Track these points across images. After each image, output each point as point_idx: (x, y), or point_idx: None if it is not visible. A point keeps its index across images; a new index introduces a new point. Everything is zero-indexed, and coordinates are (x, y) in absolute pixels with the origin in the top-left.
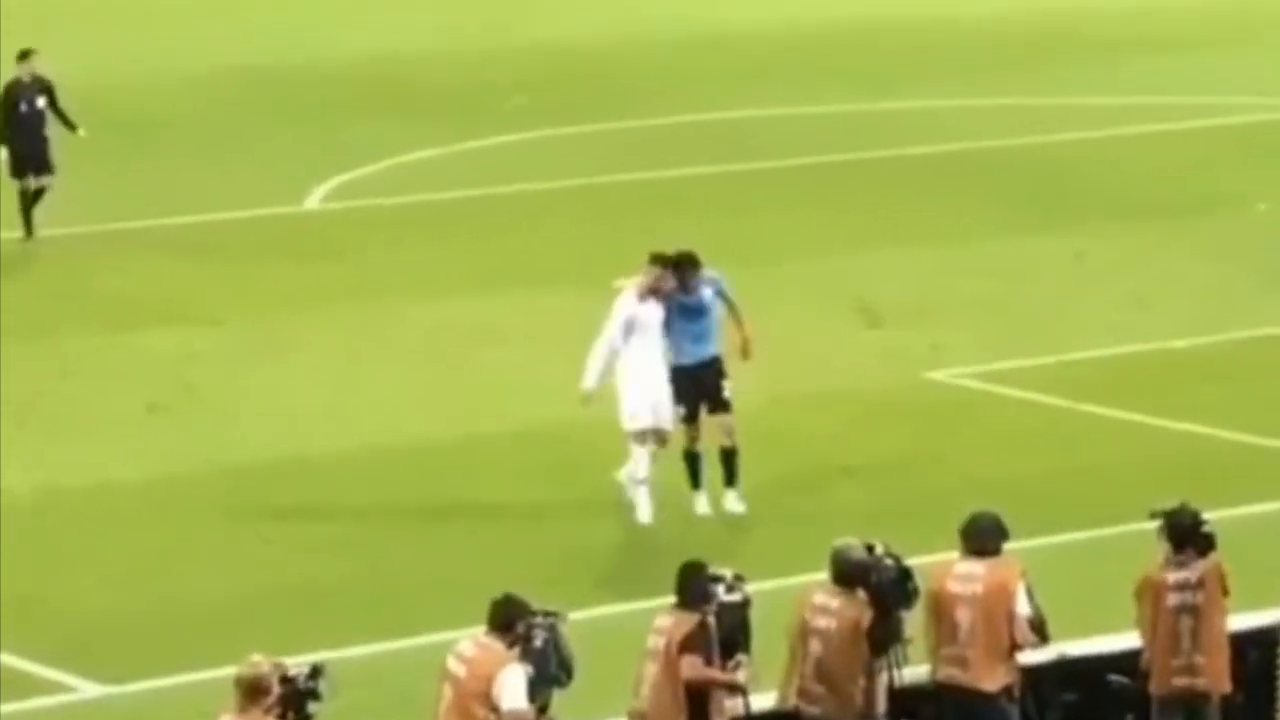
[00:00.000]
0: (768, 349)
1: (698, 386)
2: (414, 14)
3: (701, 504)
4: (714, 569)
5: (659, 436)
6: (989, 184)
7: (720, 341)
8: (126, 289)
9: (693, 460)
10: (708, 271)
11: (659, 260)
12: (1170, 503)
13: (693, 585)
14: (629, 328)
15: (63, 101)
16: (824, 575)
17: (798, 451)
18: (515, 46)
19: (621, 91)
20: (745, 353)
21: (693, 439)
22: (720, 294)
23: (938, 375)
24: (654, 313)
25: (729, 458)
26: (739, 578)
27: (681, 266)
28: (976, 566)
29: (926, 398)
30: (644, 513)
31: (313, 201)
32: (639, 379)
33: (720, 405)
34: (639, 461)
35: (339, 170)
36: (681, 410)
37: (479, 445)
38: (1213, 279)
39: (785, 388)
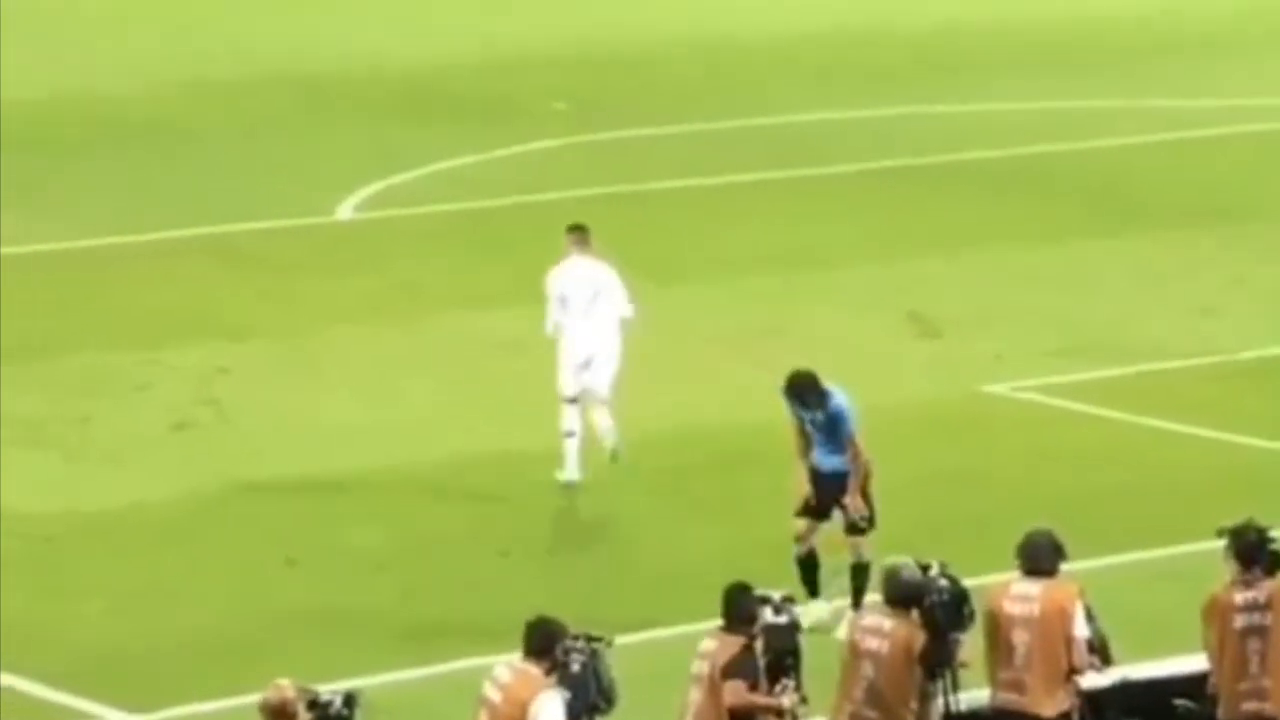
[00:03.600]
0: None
1: (830, 494)
2: (451, 18)
3: (816, 611)
4: (761, 590)
5: (585, 398)
6: (1050, 190)
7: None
8: (154, 302)
9: (809, 565)
10: (831, 389)
11: (575, 229)
12: (1237, 520)
13: (738, 607)
14: (561, 303)
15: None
16: (877, 595)
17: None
18: (555, 50)
19: (667, 96)
20: (851, 507)
21: (803, 537)
22: (840, 413)
23: (996, 388)
24: (578, 279)
25: (858, 573)
26: (787, 599)
27: (803, 392)
28: (1033, 587)
29: (984, 410)
30: (571, 470)
31: (346, 210)
32: (567, 348)
33: (849, 527)
34: (567, 417)
35: (374, 178)
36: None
37: (513, 461)
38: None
39: None
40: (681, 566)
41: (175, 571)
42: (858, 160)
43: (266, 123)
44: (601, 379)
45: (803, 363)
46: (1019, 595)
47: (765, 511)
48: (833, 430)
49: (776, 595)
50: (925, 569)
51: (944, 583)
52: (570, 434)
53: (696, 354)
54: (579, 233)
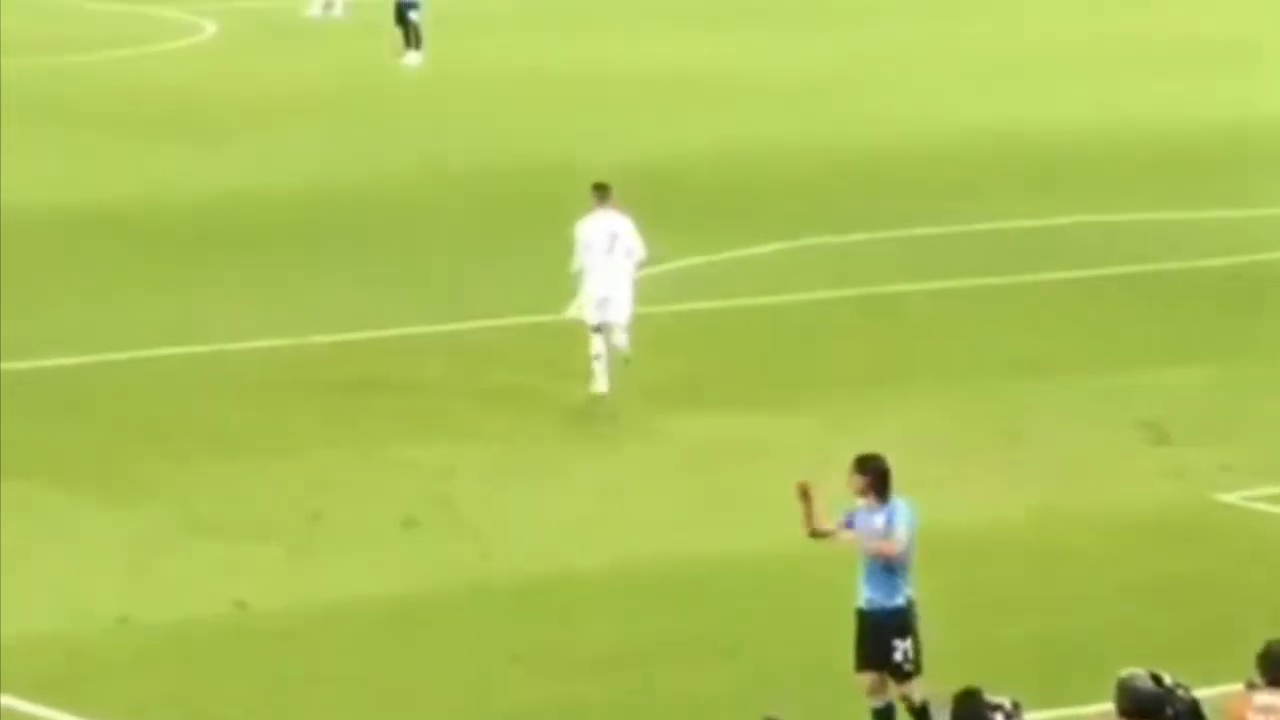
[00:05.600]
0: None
1: (871, 640)
2: (691, 117)
3: None
4: (991, 697)
5: (607, 328)
6: None
7: (909, 585)
8: (386, 399)
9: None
10: (898, 501)
11: (597, 187)
12: None
13: (968, 714)
14: (586, 248)
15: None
16: (1106, 705)
17: (1071, 571)
18: (789, 149)
19: (898, 199)
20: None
21: (875, 690)
22: (889, 519)
23: (1229, 497)
24: (599, 228)
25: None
26: (1017, 706)
27: (874, 477)
28: (1277, 699)
29: (1216, 519)
30: (600, 383)
31: (575, 309)
32: (590, 286)
33: (897, 672)
34: (595, 343)
35: None
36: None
37: (742, 564)
38: None
39: (1059, 502)
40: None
41: (400, 668)
42: (1092, 266)
43: (499, 217)
44: (620, 314)
45: (1035, 469)
46: (1263, 706)
47: (1003, 611)
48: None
49: (1007, 702)
50: (1158, 680)
51: (1181, 693)
52: (597, 357)
53: (932, 456)
54: (601, 190)
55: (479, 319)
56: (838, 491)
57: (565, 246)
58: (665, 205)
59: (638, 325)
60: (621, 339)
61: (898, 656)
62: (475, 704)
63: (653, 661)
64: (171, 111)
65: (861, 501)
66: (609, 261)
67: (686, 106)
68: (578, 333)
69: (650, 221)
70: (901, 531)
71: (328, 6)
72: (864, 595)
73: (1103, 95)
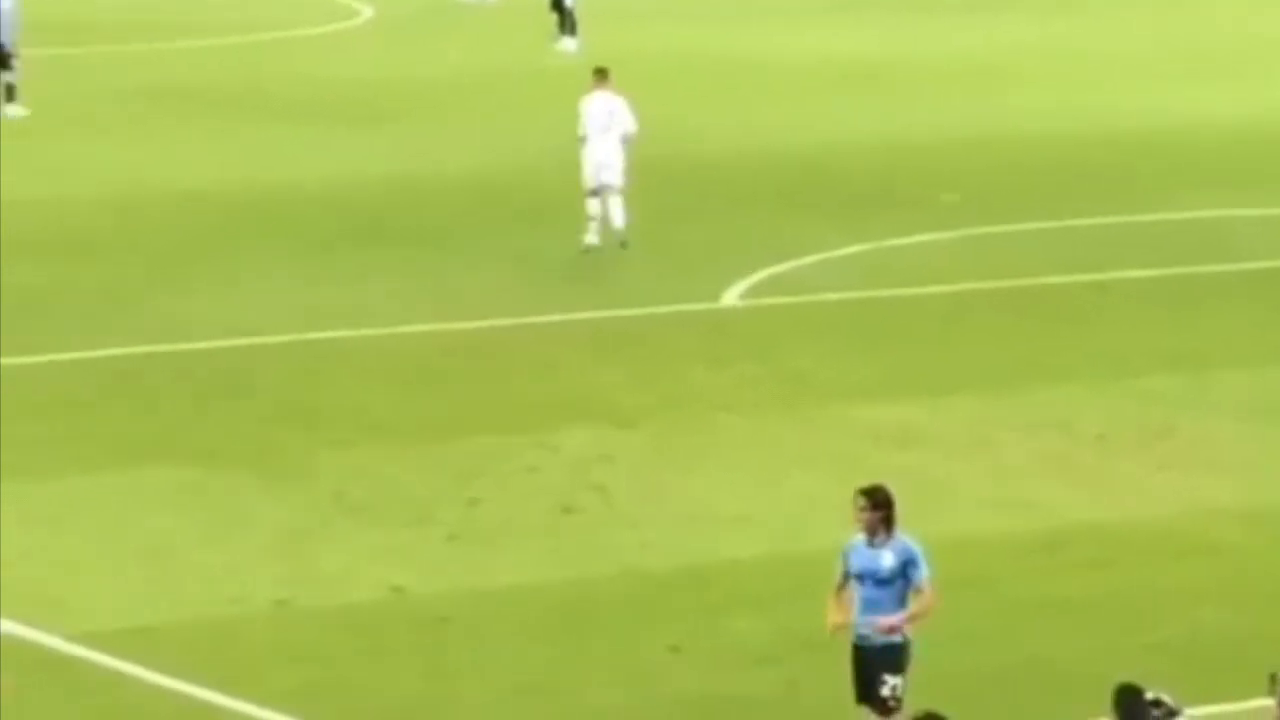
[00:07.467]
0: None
1: (864, 673)
2: (843, 105)
3: None
4: (1152, 693)
5: (604, 190)
6: None
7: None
8: (542, 386)
9: None
10: (903, 537)
11: (597, 71)
12: None
13: (1129, 709)
14: (588, 120)
15: None
16: (1261, 701)
17: (1225, 567)
18: (951, 141)
19: (1054, 190)
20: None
21: None
22: (910, 564)
23: None
24: (598, 106)
25: None
26: (1174, 702)
27: (886, 510)
28: None
29: None
30: (591, 239)
31: (732, 297)
32: (589, 155)
33: (880, 707)
34: (590, 205)
35: (761, 265)
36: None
37: None
38: None
39: (1213, 499)
40: (1073, 664)
41: (556, 654)
42: (1249, 259)
43: (656, 207)
44: (614, 178)
45: (1190, 464)
46: None
47: (1156, 607)
48: (887, 583)
49: (1168, 698)
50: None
51: None
52: (593, 218)
53: (1084, 451)
54: (600, 73)
55: (636, 306)
56: (984, 473)
57: (725, 235)
58: (818, 194)
59: (792, 311)
60: (617, 214)
61: (885, 691)
62: (634, 693)
63: (811, 654)
64: (326, 96)
65: (862, 537)
66: (606, 135)
67: (844, 93)
68: (734, 322)
69: (802, 210)
70: (929, 579)
71: None
72: (858, 631)
73: (1272, 90)
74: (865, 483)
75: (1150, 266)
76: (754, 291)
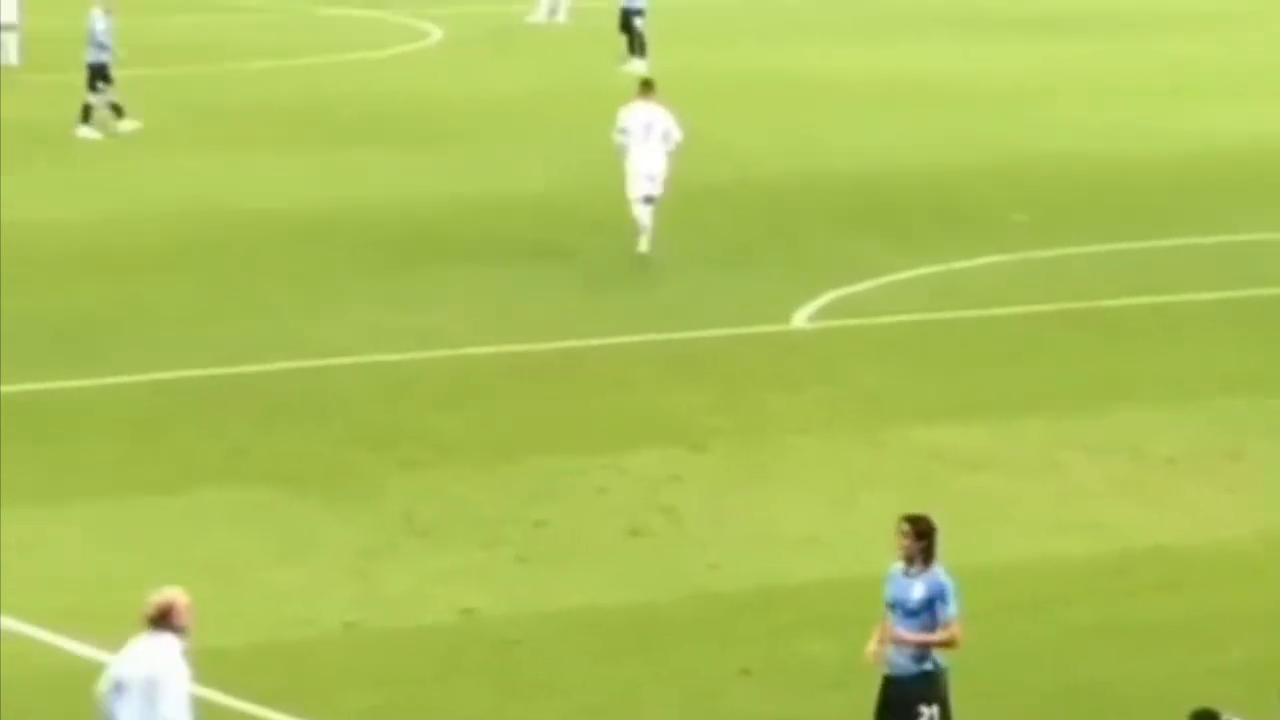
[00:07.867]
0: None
1: (895, 706)
2: (908, 127)
3: None
4: (1228, 717)
5: (648, 199)
6: None
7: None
8: (611, 407)
9: None
10: (938, 570)
11: (643, 83)
12: None
13: None
14: (624, 133)
15: None
16: None
17: None
18: (1018, 162)
19: (1123, 212)
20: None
21: None
22: (939, 599)
23: None
24: (637, 117)
25: None
26: None
27: (929, 540)
28: None
29: None
30: (643, 244)
31: (800, 319)
32: (633, 164)
33: None
34: (641, 215)
35: (829, 287)
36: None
37: (971, 578)
38: None
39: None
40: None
41: (625, 677)
42: None
43: (724, 228)
44: (656, 189)
45: (1260, 487)
46: None
47: (1229, 631)
48: (914, 614)
49: None
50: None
51: None
52: (643, 227)
53: (1153, 473)
54: (644, 86)
55: (706, 328)
56: (1052, 495)
57: (792, 257)
58: (887, 215)
59: (860, 333)
60: (646, 219)
61: None
62: (703, 715)
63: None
64: (396, 116)
65: (900, 564)
66: (646, 145)
67: (910, 116)
68: (803, 344)
69: (871, 232)
70: (955, 617)
71: (552, 12)
72: (891, 660)
73: None
74: (912, 511)
75: (1215, 289)
76: (822, 313)
